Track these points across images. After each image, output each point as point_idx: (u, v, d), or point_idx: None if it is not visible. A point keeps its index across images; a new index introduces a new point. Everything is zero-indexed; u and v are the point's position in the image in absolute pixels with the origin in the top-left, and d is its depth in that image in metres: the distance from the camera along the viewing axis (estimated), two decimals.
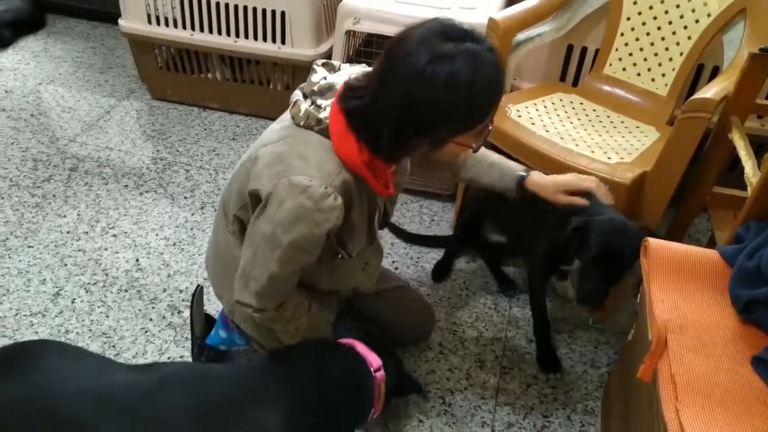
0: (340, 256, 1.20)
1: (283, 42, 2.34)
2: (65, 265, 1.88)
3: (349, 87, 1.08)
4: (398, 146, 1.06)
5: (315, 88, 1.13)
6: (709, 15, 1.72)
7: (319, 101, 1.11)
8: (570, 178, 1.37)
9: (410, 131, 1.02)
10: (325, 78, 1.14)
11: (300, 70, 2.39)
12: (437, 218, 2.16)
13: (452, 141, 1.06)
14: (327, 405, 1.05)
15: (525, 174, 1.39)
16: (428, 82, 0.95)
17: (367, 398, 1.11)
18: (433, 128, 1.02)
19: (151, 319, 1.73)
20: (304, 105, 1.11)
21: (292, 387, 1.04)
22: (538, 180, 1.38)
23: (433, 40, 0.96)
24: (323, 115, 1.09)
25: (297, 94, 1.15)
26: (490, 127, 1.09)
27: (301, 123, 1.10)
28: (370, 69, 1.11)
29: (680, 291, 1.13)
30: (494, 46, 1.01)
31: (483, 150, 1.41)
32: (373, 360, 1.12)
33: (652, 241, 1.20)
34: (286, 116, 1.16)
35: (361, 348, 1.13)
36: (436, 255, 1.99)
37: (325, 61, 1.20)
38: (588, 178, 1.37)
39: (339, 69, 1.19)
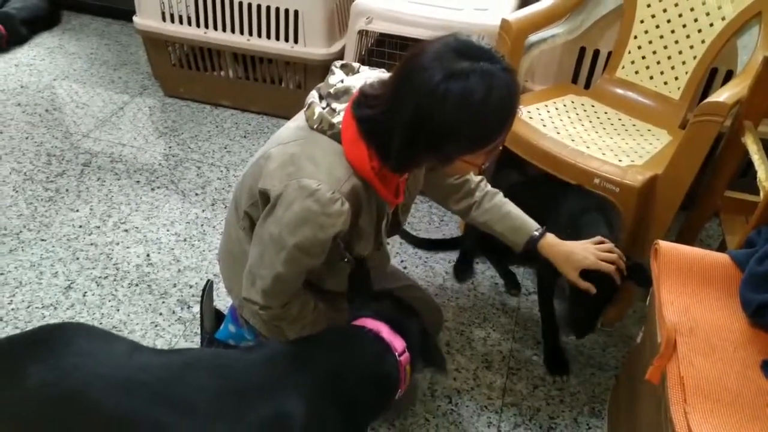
0: (346, 260, 1.20)
1: (295, 41, 2.36)
2: (77, 258, 1.90)
3: (364, 94, 1.07)
4: (407, 159, 1.06)
5: (331, 90, 1.13)
6: (723, 18, 1.71)
7: (334, 104, 1.11)
8: (591, 260, 1.29)
9: (420, 145, 1.02)
10: (342, 81, 1.14)
11: (312, 69, 2.40)
12: (446, 218, 2.16)
13: (461, 159, 1.06)
14: (349, 393, 1.05)
15: (538, 236, 1.34)
16: (441, 99, 0.95)
17: (391, 384, 1.11)
18: (443, 144, 1.02)
19: (161, 314, 1.75)
20: (318, 108, 1.11)
21: (315, 375, 1.04)
22: (554, 244, 1.33)
23: (449, 56, 0.96)
24: (336, 119, 1.09)
25: (313, 95, 1.15)
26: (500, 147, 1.09)
27: (315, 126, 1.10)
28: (387, 75, 1.11)
29: (690, 294, 1.13)
30: (511, 66, 1.00)
31: (500, 197, 1.40)
32: (398, 344, 1.11)
33: (663, 244, 1.20)
34: (301, 116, 1.16)
35: (386, 332, 1.12)
36: (445, 254, 2.00)
37: (344, 62, 1.20)
38: (606, 266, 1.29)
39: (358, 71, 1.19)
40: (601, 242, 1.33)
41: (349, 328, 1.15)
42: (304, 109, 1.14)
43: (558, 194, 1.60)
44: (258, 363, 1.05)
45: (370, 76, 1.16)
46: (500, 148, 1.09)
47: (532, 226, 1.36)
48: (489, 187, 1.42)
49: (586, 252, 1.31)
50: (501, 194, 1.41)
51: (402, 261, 1.97)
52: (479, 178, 1.41)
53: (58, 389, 0.91)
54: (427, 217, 2.16)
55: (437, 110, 0.97)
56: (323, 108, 1.11)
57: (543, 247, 1.34)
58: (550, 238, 1.34)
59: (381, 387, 1.11)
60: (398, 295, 1.29)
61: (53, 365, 0.92)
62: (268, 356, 1.06)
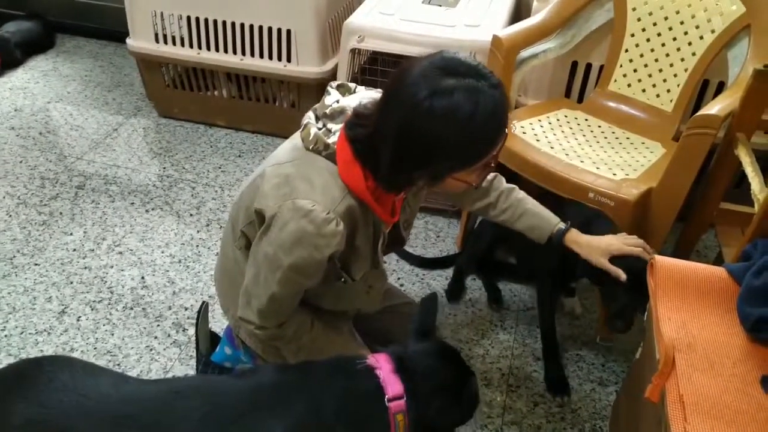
0: (343, 279, 1.20)
1: (288, 60, 2.36)
2: (71, 282, 1.89)
3: (356, 114, 1.08)
4: (396, 178, 1.06)
5: (327, 111, 1.13)
6: (713, 31, 1.72)
7: (330, 125, 1.12)
8: (617, 245, 1.33)
9: (407, 164, 1.02)
10: (338, 101, 1.15)
11: (306, 88, 2.40)
12: (443, 234, 2.15)
13: (451, 177, 1.05)
14: (331, 429, 1.03)
15: (564, 230, 1.37)
16: (426, 116, 0.95)
17: (374, 429, 1.07)
18: (430, 163, 1.01)
19: (156, 337, 1.73)
20: (314, 128, 1.11)
21: (298, 407, 1.03)
22: (579, 240, 1.36)
23: (435, 74, 0.96)
24: (332, 140, 1.09)
25: (309, 116, 1.15)
26: (492, 164, 1.08)
27: (310, 147, 1.10)
28: (380, 95, 1.11)
29: (687, 309, 1.12)
30: (500, 82, 1.00)
31: (516, 194, 1.40)
32: (391, 387, 1.05)
33: (659, 259, 1.19)
34: (297, 136, 1.16)
35: (385, 371, 1.07)
36: (441, 271, 1.99)
37: (340, 82, 1.21)
38: (633, 246, 1.33)
39: (354, 91, 1.20)
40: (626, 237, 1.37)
41: (348, 361, 1.12)
42: (300, 129, 1.14)
43: (554, 210, 1.59)
44: (245, 392, 1.03)
45: (365, 96, 1.16)
46: (493, 165, 1.08)
47: (551, 222, 1.39)
48: (504, 183, 1.41)
49: (611, 239, 1.35)
50: (517, 190, 1.41)
51: (399, 278, 1.96)
52: (492, 175, 1.40)
53: (43, 427, 0.89)
54: (423, 233, 2.15)
55: (423, 127, 0.96)
56: (319, 128, 1.11)
57: (568, 241, 1.37)
58: (574, 232, 1.38)
59: (360, 427, 1.07)
60: (455, 351, 1.22)
61: (37, 402, 0.91)
62: (255, 385, 1.05)
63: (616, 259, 1.31)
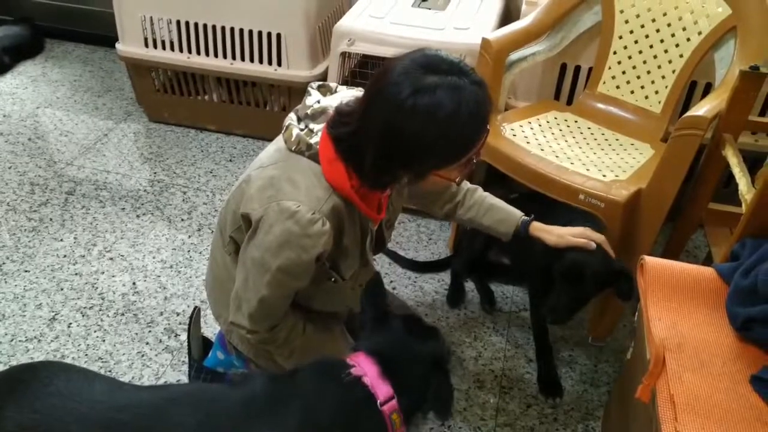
0: (333, 279, 1.20)
1: (279, 64, 2.36)
2: (61, 289, 1.87)
3: (339, 112, 1.08)
4: (379, 175, 1.06)
5: (308, 111, 1.14)
6: (700, 33, 1.73)
7: (312, 125, 1.12)
8: (578, 230, 1.38)
9: (390, 161, 1.02)
10: (318, 101, 1.15)
11: (296, 92, 2.40)
12: (434, 237, 2.16)
13: (434, 173, 1.06)
14: None
15: (528, 220, 1.40)
16: (409, 114, 0.95)
17: None
18: (413, 160, 1.02)
19: (147, 343, 1.72)
20: (296, 130, 1.11)
21: (290, 419, 1.02)
22: (547, 228, 1.40)
23: (417, 72, 0.96)
24: (314, 140, 1.09)
25: (291, 118, 1.15)
26: (474, 160, 1.09)
27: (293, 148, 1.11)
28: (362, 93, 1.12)
29: (677, 309, 1.13)
30: (482, 79, 1.00)
31: (480, 192, 1.43)
32: (381, 391, 1.05)
33: (649, 259, 1.20)
34: (280, 138, 1.17)
35: (371, 376, 1.06)
36: (434, 274, 1.99)
37: (320, 83, 1.21)
38: (595, 236, 1.38)
39: (335, 91, 1.20)
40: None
41: (334, 368, 1.09)
42: (283, 131, 1.14)
43: (545, 211, 1.60)
44: (238, 401, 1.03)
45: (346, 95, 1.17)
46: (475, 161, 1.09)
47: (517, 214, 1.42)
48: (468, 184, 1.44)
49: (577, 229, 1.39)
50: (480, 189, 1.44)
51: (391, 282, 1.96)
52: None
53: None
54: (415, 236, 2.16)
55: (406, 125, 0.97)
56: (301, 129, 1.12)
57: (535, 230, 1.40)
58: (539, 223, 1.41)
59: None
60: (417, 316, 1.23)
61: (30, 408, 0.90)
62: (248, 395, 1.04)
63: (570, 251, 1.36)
